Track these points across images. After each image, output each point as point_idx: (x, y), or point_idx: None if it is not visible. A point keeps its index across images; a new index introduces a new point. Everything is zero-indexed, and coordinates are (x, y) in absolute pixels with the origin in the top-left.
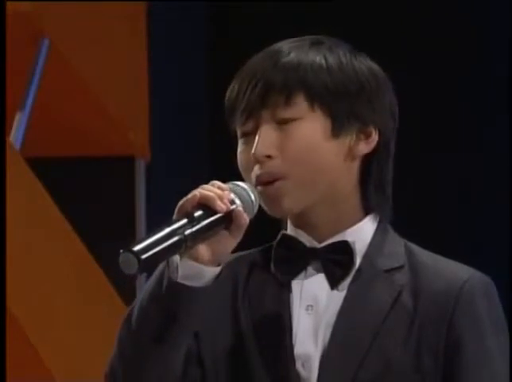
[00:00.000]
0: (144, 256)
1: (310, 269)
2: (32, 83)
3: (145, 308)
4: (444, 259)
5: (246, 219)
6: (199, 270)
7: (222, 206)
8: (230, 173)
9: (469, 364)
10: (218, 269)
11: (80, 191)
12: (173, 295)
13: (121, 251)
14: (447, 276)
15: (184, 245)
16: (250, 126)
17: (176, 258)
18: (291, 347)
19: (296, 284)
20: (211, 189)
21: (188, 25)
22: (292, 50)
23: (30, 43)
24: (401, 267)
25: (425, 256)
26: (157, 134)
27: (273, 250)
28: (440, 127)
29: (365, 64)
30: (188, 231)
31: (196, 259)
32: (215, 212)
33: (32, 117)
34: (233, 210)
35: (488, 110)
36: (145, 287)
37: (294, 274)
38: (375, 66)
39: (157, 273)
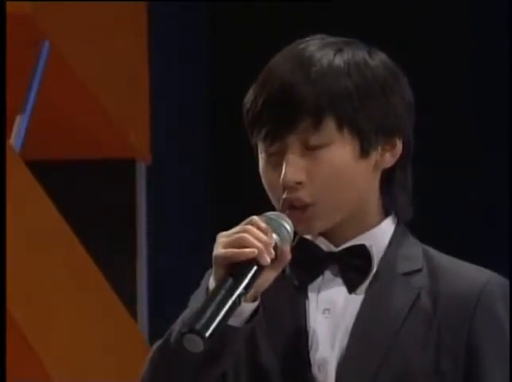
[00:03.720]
0: (207, 334)
1: (327, 273)
2: (32, 85)
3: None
4: (462, 262)
5: (289, 256)
6: (240, 307)
7: (267, 260)
8: (231, 175)
9: (489, 367)
10: (255, 304)
11: (81, 194)
12: (216, 337)
13: (184, 333)
14: (466, 279)
15: (237, 304)
16: (274, 148)
17: None
18: (307, 351)
19: (312, 288)
20: (258, 236)
21: (189, 26)
22: (320, 60)
23: (30, 45)
24: (419, 270)
25: (444, 259)
26: (157, 136)
27: None
28: (439, 128)
29: (386, 67)
30: (238, 292)
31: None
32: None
33: (32, 119)
34: (276, 249)
35: (488, 111)
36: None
37: (311, 278)
38: (391, 63)
39: (195, 306)
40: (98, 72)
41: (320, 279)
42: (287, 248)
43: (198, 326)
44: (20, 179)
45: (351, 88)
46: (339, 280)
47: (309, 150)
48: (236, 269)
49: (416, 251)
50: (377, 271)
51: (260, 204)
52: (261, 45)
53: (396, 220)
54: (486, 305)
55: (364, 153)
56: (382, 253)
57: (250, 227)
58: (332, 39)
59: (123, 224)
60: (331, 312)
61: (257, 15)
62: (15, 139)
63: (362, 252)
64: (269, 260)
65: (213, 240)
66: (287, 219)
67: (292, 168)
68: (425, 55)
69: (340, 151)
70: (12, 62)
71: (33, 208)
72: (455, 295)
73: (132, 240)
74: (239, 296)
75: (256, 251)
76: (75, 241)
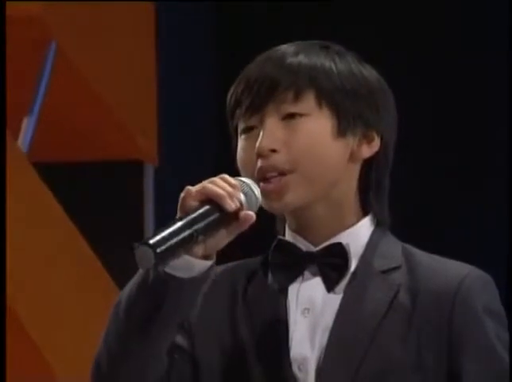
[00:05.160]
0: (159, 249)
1: (307, 273)
2: (40, 86)
3: (132, 297)
4: (442, 258)
5: (250, 221)
6: (189, 262)
7: (231, 205)
8: (238, 177)
9: (472, 360)
10: (208, 263)
11: (89, 196)
12: (159, 285)
13: (135, 245)
14: (445, 274)
15: (194, 240)
16: (254, 121)
17: None
18: (287, 350)
19: (292, 288)
20: (223, 186)
21: (197, 26)
22: (299, 52)
23: (38, 46)
24: (398, 268)
25: (423, 257)
26: (165, 138)
27: (269, 256)
28: (438, 126)
29: (372, 73)
30: (198, 226)
31: (189, 253)
32: (224, 209)
33: (40, 121)
34: (240, 211)
35: (488, 109)
36: (134, 276)
37: (291, 279)
38: (380, 77)
39: None
40: (105, 73)
41: (300, 279)
42: (251, 213)
43: (152, 241)
44: (27, 181)
45: (333, 69)
46: (319, 279)
47: (287, 119)
48: (201, 208)
49: (395, 249)
50: (355, 270)
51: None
52: (271, 47)
53: (375, 220)
54: (464, 299)
55: (341, 132)
56: (361, 252)
57: (217, 179)
58: (317, 41)
59: (131, 226)
60: (311, 311)
61: (269, 16)
62: (23, 141)
63: (340, 251)
64: (233, 206)
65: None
66: (257, 187)
67: (269, 135)
68: (426, 54)
69: (318, 124)
70: (20, 63)
71: (41, 211)
72: (434, 290)
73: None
74: (197, 231)
75: (215, 189)
76: (83, 243)
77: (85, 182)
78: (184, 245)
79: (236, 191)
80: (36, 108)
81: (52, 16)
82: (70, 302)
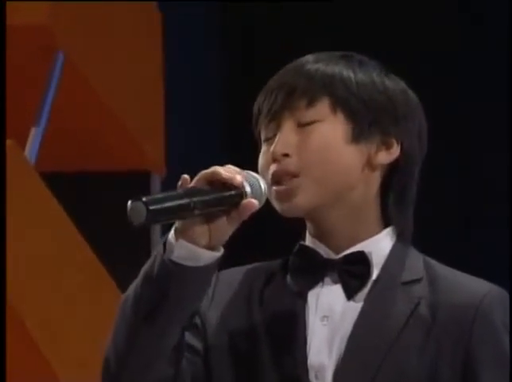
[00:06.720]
0: (152, 207)
1: (327, 280)
2: (47, 96)
3: (138, 292)
4: (463, 273)
5: (252, 209)
6: (195, 252)
7: (227, 174)
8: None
9: (489, 373)
10: (215, 254)
11: (95, 206)
12: (164, 275)
13: (130, 201)
14: (466, 290)
15: (190, 211)
16: (272, 129)
17: (174, 239)
18: (305, 357)
19: (312, 295)
20: (226, 169)
21: (203, 36)
22: (319, 60)
23: (45, 56)
24: (419, 280)
25: (444, 270)
26: (172, 148)
27: (290, 260)
28: (437, 127)
29: (397, 83)
30: (196, 199)
31: (193, 241)
32: (224, 191)
33: (47, 131)
34: (242, 195)
35: (488, 109)
36: (140, 273)
37: (311, 285)
38: (409, 89)
39: (152, 255)
40: (113, 83)
41: (319, 286)
42: (252, 201)
43: (147, 198)
44: (34, 191)
45: (351, 77)
46: (339, 287)
47: (302, 126)
48: (200, 188)
49: (416, 261)
50: (376, 279)
51: (273, 216)
52: (276, 52)
53: (397, 232)
54: (484, 317)
55: (355, 138)
56: (383, 262)
57: (222, 167)
58: (341, 52)
59: (138, 237)
60: (330, 319)
61: (272, 23)
62: (30, 151)
63: (362, 259)
64: (229, 175)
65: (229, 254)
66: (264, 181)
67: (283, 141)
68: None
69: (331, 128)
70: (26, 73)
71: (48, 221)
72: (455, 307)
73: (146, 254)
74: (195, 203)
75: (217, 170)
76: (88, 250)
77: (92, 192)
78: (179, 212)
79: (242, 184)
80: (44, 119)
81: (58, 26)
82: (74, 308)
